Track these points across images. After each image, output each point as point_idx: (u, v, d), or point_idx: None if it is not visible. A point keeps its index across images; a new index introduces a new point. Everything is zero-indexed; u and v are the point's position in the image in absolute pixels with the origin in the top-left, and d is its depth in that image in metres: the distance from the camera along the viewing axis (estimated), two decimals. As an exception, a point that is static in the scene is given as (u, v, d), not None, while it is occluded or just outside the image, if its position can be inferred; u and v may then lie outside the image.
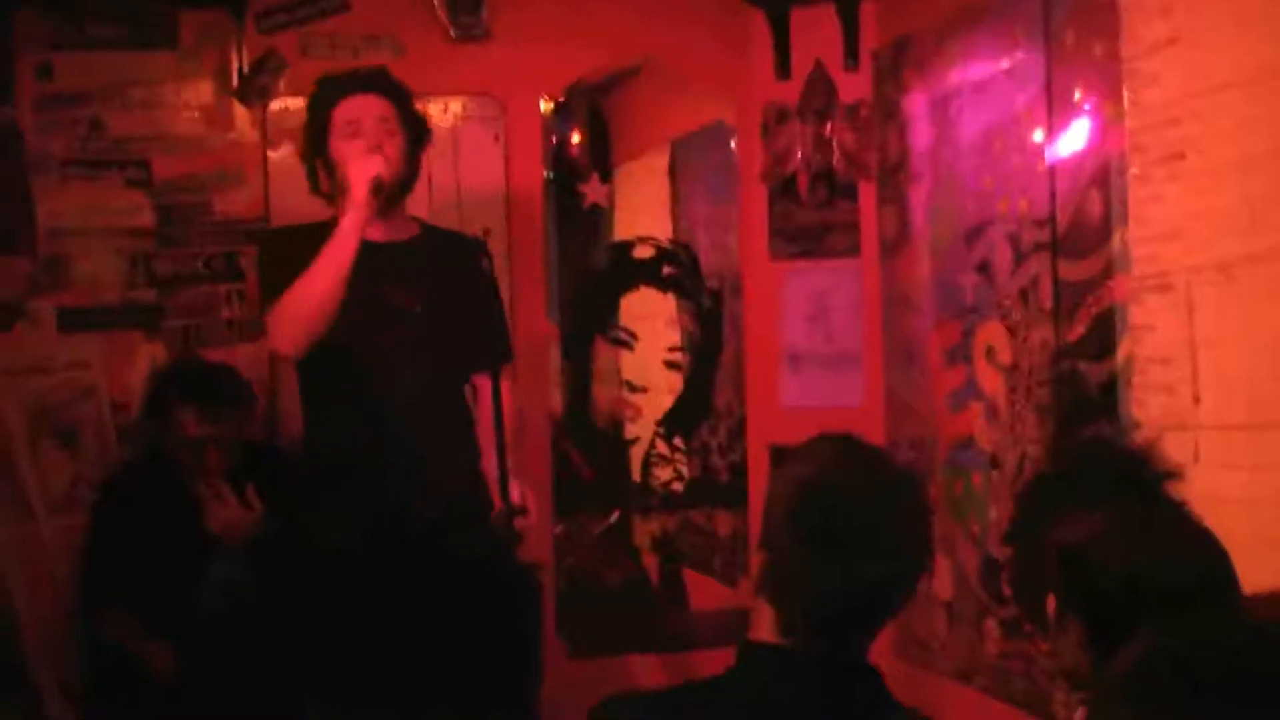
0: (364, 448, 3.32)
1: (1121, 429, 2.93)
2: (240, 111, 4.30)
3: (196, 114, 4.30)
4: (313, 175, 3.50)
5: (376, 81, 3.48)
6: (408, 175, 3.48)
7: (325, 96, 3.47)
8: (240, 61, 4.27)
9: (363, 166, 3.29)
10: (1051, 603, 1.94)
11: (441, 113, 4.32)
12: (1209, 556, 1.84)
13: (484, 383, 3.58)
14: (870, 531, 1.86)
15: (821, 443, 1.98)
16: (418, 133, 3.52)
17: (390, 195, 3.38)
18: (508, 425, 3.45)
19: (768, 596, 1.94)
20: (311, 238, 3.34)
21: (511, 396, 3.56)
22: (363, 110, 3.41)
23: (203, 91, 4.30)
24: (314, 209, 3.98)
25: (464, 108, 4.39)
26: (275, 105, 4.29)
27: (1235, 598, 1.78)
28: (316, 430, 3.52)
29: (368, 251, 3.30)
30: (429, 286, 3.45)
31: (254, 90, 4.29)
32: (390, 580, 1.52)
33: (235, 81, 4.28)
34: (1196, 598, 1.74)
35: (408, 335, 3.39)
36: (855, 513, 1.87)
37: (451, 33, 4.33)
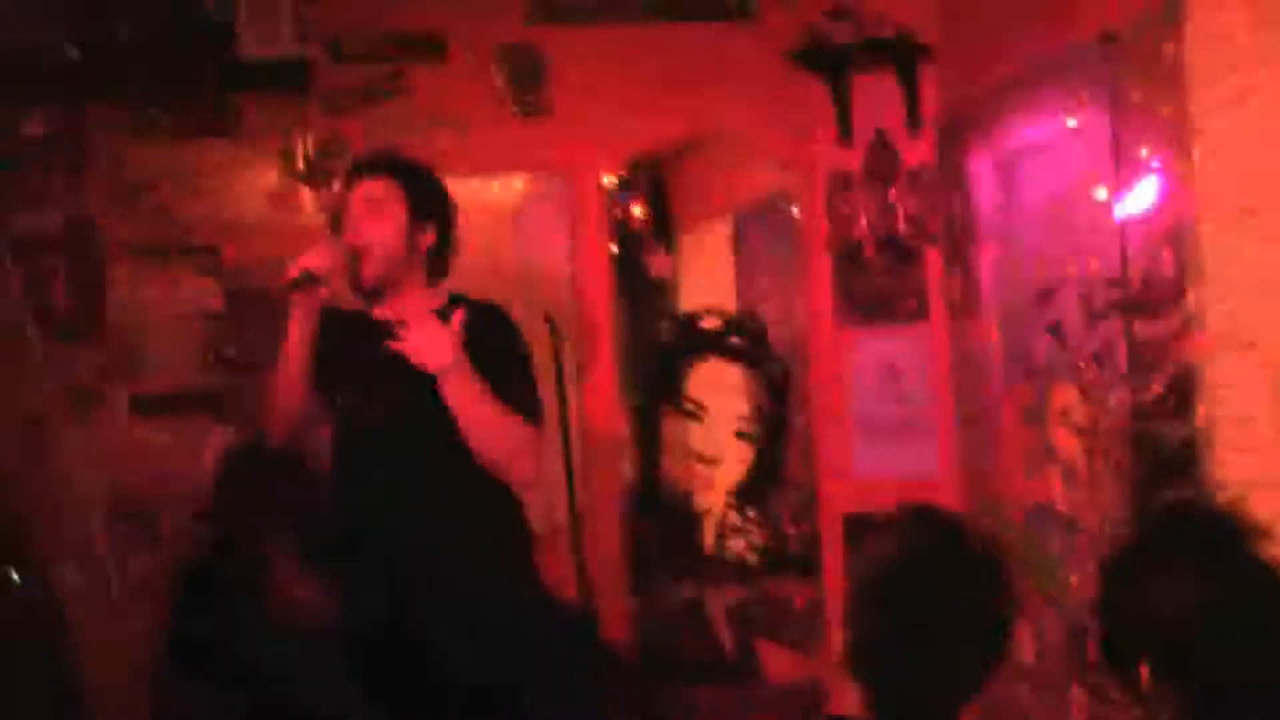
0: (382, 525, 3.31)
1: (1202, 490, 2.88)
2: (306, 195, 4.34)
3: (263, 199, 4.35)
4: None
5: (371, 164, 3.49)
6: (412, 253, 3.42)
7: (344, 185, 3.51)
8: (305, 145, 4.32)
9: (296, 262, 3.29)
10: (1145, 672, 1.89)
11: (506, 190, 4.34)
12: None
13: None
14: (954, 612, 1.84)
15: (903, 520, 1.97)
16: (425, 204, 3.46)
17: (373, 275, 3.35)
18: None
19: (852, 674, 1.91)
20: (348, 324, 3.38)
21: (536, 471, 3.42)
22: (356, 195, 3.42)
23: (268, 176, 4.35)
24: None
25: (527, 185, 4.42)
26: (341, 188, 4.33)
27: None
28: (342, 514, 3.48)
29: (381, 332, 3.28)
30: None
31: (319, 173, 4.33)
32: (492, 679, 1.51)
33: (300, 165, 4.32)
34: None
35: (430, 411, 3.28)
36: (939, 594, 1.85)
37: (514, 109, 4.37)
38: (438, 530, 3.30)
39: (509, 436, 3.29)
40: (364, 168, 3.48)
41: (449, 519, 3.31)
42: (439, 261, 3.48)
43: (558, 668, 1.45)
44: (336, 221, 3.50)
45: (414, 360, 3.21)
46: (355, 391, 3.38)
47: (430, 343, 3.22)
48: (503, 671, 3.10)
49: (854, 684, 1.90)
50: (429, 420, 3.25)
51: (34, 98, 4.14)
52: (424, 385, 3.25)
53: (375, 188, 3.41)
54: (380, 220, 3.37)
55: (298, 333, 3.30)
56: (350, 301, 3.45)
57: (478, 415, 3.24)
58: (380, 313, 3.37)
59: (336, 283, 3.34)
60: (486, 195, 4.44)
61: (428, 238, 3.44)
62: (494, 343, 3.41)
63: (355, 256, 3.34)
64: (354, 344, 3.37)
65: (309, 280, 3.26)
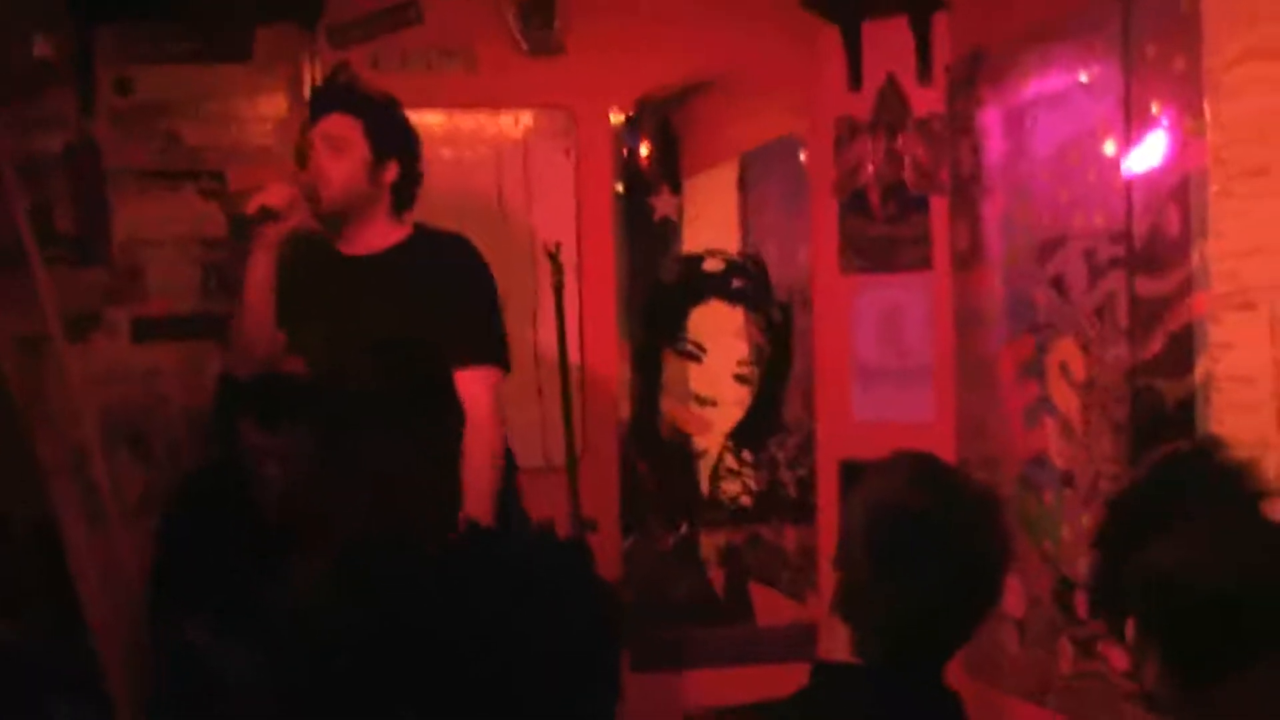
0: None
1: (1212, 442, 2.88)
2: (313, 124, 4.33)
3: (270, 126, 4.33)
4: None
5: (334, 98, 3.58)
6: (376, 187, 3.50)
7: (308, 118, 3.60)
8: (312, 74, 4.30)
9: (254, 198, 3.42)
10: (1130, 624, 1.90)
11: (513, 125, 4.33)
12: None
13: (472, 390, 3.22)
14: (946, 554, 1.85)
15: (898, 462, 1.97)
16: (388, 141, 3.52)
17: (332, 209, 3.44)
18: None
19: (842, 615, 1.93)
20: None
21: (479, 395, 3.32)
22: (316, 132, 3.50)
23: (276, 104, 4.33)
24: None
25: (534, 120, 4.40)
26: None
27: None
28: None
29: (344, 265, 3.41)
30: (408, 293, 3.45)
31: (326, 103, 4.31)
32: (480, 595, 1.52)
33: (307, 94, 4.31)
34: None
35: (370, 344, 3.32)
36: (931, 535, 1.86)
37: (524, 46, 4.35)
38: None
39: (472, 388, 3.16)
40: (324, 103, 3.55)
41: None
42: (404, 194, 3.55)
43: (552, 600, 1.47)
44: (301, 155, 3.53)
45: None
46: (320, 323, 3.41)
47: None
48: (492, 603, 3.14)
49: (843, 627, 1.91)
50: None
51: (42, 20, 4.12)
52: (389, 316, 3.32)
53: (336, 123, 3.48)
54: (340, 157, 3.45)
55: (258, 267, 3.39)
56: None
57: None
58: (353, 250, 3.42)
59: (296, 218, 3.41)
60: (493, 129, 4.42)
61: (389, 172, 3.52)
62: (458, 278, 3.47)
63: (314, 192, 3.41)
64: (318, 273, 3.44)
65: (267, 215, 3.37)
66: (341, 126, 3.48)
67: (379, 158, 3.50)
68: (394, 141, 3.54)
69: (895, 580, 1.84)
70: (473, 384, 3.21)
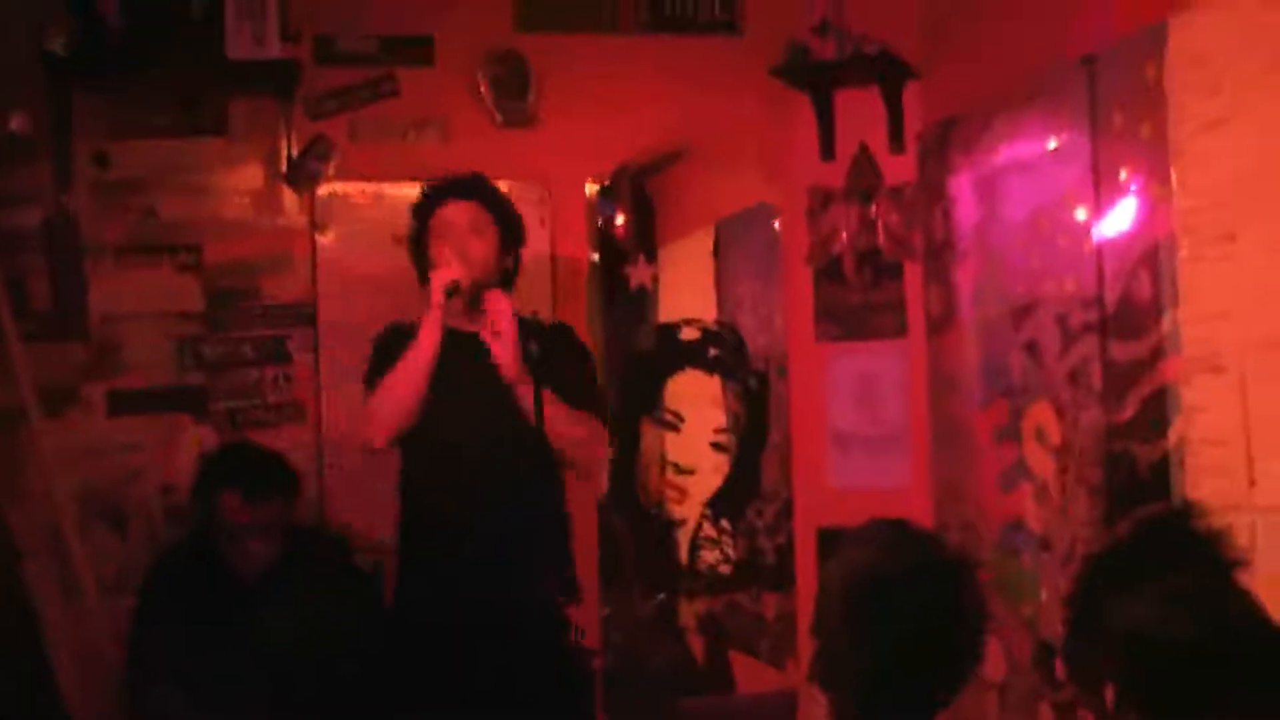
0: (457, 532, 3.54)
1: (1186, 505, 2.89)
2: (289, 196, 4.35)
3: (246, 199, 4.35)
4: (421, 274, 3.71)
5: (469, 187, 3.71)
6: (502, 271, 3.69)
7: (425, 202, 3.73)
8: (289, 147, 4.33)
9: (440, 273, 3.53)
10: (1109, 688, 1.90)
11: (488, 197, 4.35)
12: (1271, 644, 1.81)
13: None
14: (923, 619, 1.85)
15: (873, 528, 1.98)
16: (513, 231, 3.75)
17: (476, 291, 3.57)
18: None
19: (821, 683, 1.92)
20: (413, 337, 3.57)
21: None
22: (453, 215, 3.66)
23: (252, 177, 4.36)
24: (362, 292, 4.06)
25: (510, 191, 4.42)
26: (324, 190, 4.34)
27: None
28: (410, 517, 3.71)
29: (464, 341, 3.53)
30: (529, 366, 3.59)
31: (303, 175, 4.34)
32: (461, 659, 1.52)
33: (284, 166, 4.33)
34: (1258, 687, 1.71)
35: (505, 417, 3.53)
36: (908, 601, 1.86)
37: (498, 118, 4.38)
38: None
39: (581, 426, 3.60)
40: (456, 190, 3.71)
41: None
42: (511, 282, 3.74)
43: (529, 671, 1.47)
44: (418, 241, 3.70)
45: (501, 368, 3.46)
46: (444, 398, 3.55)
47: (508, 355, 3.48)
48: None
49: (822, 695, 1.91)
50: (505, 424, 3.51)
51: (19, 93, 4.14)
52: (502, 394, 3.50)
53: (471, 210, 3.67)
54: (481, 241, 3.64)
55: (430, 340, 3.50)
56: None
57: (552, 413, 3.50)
58: (470, 327, 3.57)
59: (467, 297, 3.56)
60: (469, 201, 4.44)
61: (508, 260, 3.73)
62: (570, 357, 3.76)
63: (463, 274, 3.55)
64: (449, 355, 3.55)
65: (455, 291, 3.50)
66: (477, 213, 3.67)
67: (505, 247, 3.71)
68: (517, 232, 3.77)
69: (872, 647, 1.84)
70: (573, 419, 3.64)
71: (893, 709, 1.86)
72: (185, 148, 4.29)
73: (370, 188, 4.42)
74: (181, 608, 3.79)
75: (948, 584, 1.91)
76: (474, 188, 3.72)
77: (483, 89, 4.36)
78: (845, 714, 1.88)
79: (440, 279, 3.52)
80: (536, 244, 4.43)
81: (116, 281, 4.22)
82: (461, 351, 3.54)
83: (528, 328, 3.63)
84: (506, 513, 3.55)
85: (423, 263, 3.70)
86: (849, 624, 1.87)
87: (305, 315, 4.35)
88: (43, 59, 4.09)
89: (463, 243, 3.62)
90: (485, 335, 3.49)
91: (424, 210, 3.72)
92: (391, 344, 3.64)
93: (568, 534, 3.73)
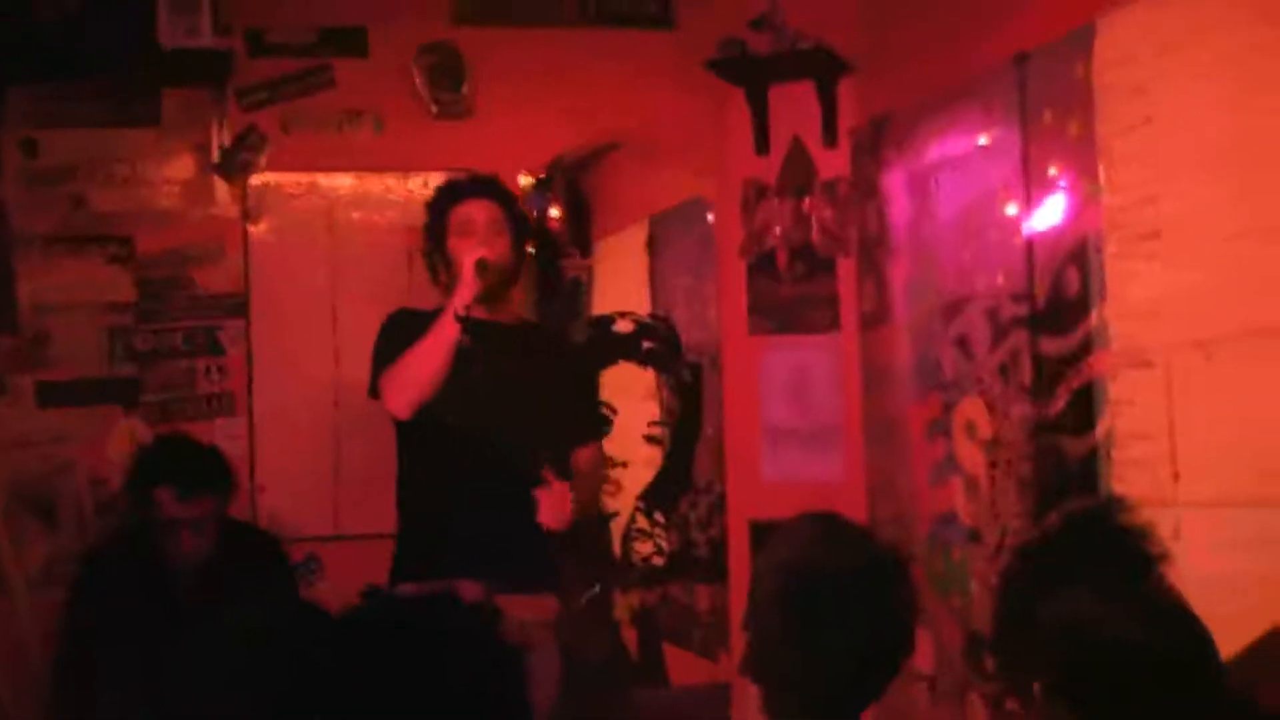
0: (456, 508, 3.66)
1: (1111, 500, 2.93)
2: (221, 187, 4.32)
3: (178, 189, 4.32)
4: (432, 269, 3.87)
5: (488, 188, 3.84)
6: (513, 269, 3.85)
7: (443, 200, 3.84)
8: (221, 137, 4.30)
9: (473, 253, 3.67)
10: (1038, 680, 1.92)
11: (422, 187, 4.34)
12: (1195, 638, 1.84)
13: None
14: (854, 612, 1.87)
15: (804, 522, 1.99)
16: (522, 232, 3.91)
17: (496, 284, 3.72)
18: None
19: (752, 676, 1.94)
20: (424, 321, 3.69)
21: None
22: (475, 212, 3.78)
23: (184, 167, 4.33)
24: (295, 283, 4.04)
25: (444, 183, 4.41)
26: (256, 180, 4.31)
27: (1220, 680, 1.78)
28: (410, 489, 3.80)
29: (481, 327, 3.64)
30: (535, 363, 3.81)
31: (235, 165, 4.31)
32: (383, 663, 1.52)
33: (216, 157, 4.30)
34: (1183, 681, 1.74)
35: (516, 403, 3.70)
36: (839, 594, 1.87)
37: (432, 109, 4.37)
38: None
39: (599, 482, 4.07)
40: (476, 190, 3.83)
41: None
42: (514, 281, 3.90)
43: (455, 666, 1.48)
44: (436, 236, 3.79)
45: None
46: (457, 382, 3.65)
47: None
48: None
49: (754, 687, 1.92)
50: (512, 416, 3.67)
51: (-54, 80, 4.09)
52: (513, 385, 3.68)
53: (491, 210, 3.80)
54: (500, 236, 3.78)
55: (461, 303, 3.59)
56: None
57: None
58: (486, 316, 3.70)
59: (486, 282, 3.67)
60: (402, 192, 4.43)
61: (516, 261, 3.86)
62: (569, 364, 3.99)
63: (487, 261, 3.67)
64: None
65: (485, 269, 3.63)
66: (497, 213, 3.80)
67: (515, 246, 3.84)
68: (525, 231, 3.94)
69: (804, 639, 1.86)
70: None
71: (824, 702, 1.88)
72: (116, 137, 4.25)
73: (304, 178, 4.40)
74: (113, 599, 3.76)
75: (879, 577, 1.93)
76: (493, 188, 3.85)
77: (417, 80, 4.35)
78: (776, 707, 1.89)
79: (471, 256, 3.64)
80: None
81: (45, 272, 4.18)
82: (481, 335, 3.63)
83: (525, 324, 3.89)
84: (507, 503, 3.63)
85: (436, 257, 3.83)
86: (780, 617, 1.88)
87: (237, 306, 4.33)
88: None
89: (487, 238, 3.74)
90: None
91: (442, 206, 3.83)
92: (401, 326, 3.75)
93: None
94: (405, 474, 3.81)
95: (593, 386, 4.13)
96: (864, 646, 1.88)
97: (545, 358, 3.88)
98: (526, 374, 3.78)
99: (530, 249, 4.13)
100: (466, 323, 3.59)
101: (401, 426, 3.75)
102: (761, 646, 1.92)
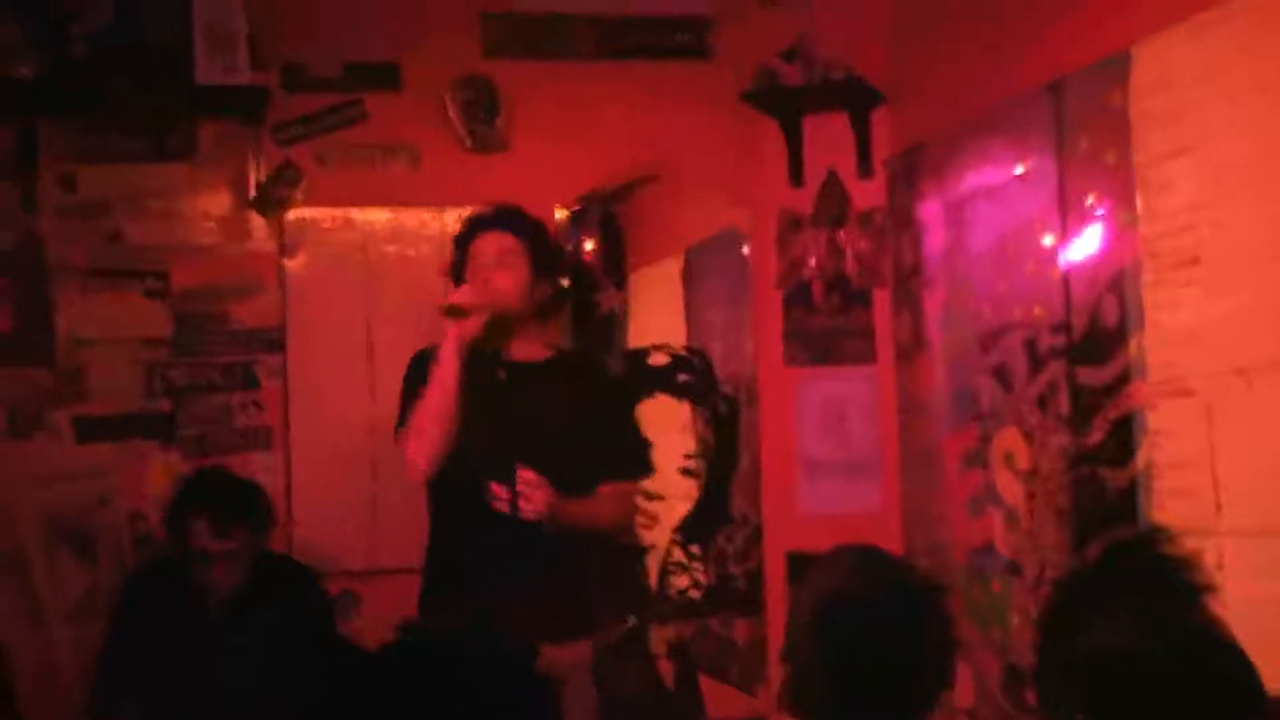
0: (482, 560, 3.57)
1: (1154, 530, 2.90)
2: (257, 222, 4.35)
3: (214, 224, 4.35)
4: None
5: (503, 219, 3.77)
6: (535, 303, 3.76)
7: (465, 233, 3.79)
8: (257, 172, 4.32)
9: (450, 295, 3.62)
10: (1079, 714, 1.90)
11: (456, 222, 4.34)
12: (1240, 671, 1.81)
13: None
14: (891, 644, 1.85)
15: (841, 554, 1.98)
16: (546, 262, 3.80)
17: (511, 320, 3.67)
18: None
19: (790, 709, 1.92)
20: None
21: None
22: (482, 247, 3.72)
23: (220, 202, 4.35)
24: (331, 318, 4.03)
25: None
26: (292, 215, 4.33)
27: (1264, 713, 1.75)
28: (438, 541, 3.74)
29: (504, 367, 3.65)
30: (564, 401, 3.72)
31: (270, 201, 4.33)
32: (416, 686, 1.51)
33: (252, 192, 4.32)
34: (1227, 714, 1.71)
35: (545, 445, 3.62)
36: (876, 626, 1.86)
37: (467, 143, 4.38)
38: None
39: (626, 510, 3.98)
40: (490, 222, 3.77)
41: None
42: (548, 313, 3.88)
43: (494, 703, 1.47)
44: (456, 272, 3.72)
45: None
46: (489, 426, 3.60)
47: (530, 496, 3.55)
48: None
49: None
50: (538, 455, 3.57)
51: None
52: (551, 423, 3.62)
53: (502, 241, 3.72)
54: (507, 273, 3.68)
55: (449, 366, 3.55)
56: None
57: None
58: (514, 357, 3.69)
59: (478, 321, 3.59)
60: (437, 226, 4.45)
61: (541, 291, 3.77)
62: (605, 398, 3.90)
63: (489, 299, 3.61)
64: (482, 377, 3.62)
65: (456, 313, 3.56)
66: (509, 244, 3.71)
67: (537, 277, 3.74)
68: (549, 262, 3.82)
69: (842, 672, 1.84)
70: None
71: (862, 735, 1.86)
72: (153, 172, 4.28)
73: (339, 213, 4.42)
74: (151, 628, 3.77)
75: (917, 609, 1.91)
76: (506, 219, 3.77)
77: (451, 114, 4.37)
78: (815, 740, 1.88)
79: (444, 302, 3.60)
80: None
81: (83, 306, 4.21)
82: (497, 378, 3.62)
83: (566, 356, 3.87)
84: (536, 550, 3.57)
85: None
86: (818, 650, 1.87)
87: (274, 341, 4.34)
88: (8, 84, 4.08)
89: (488, 273, 3.67)
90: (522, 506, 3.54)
91: (462, 242, 3.79)
92: (419, 371, 3.70)
93: (586, 568, 3.79)
94: (433, 520, 3.76)
95: (632, 422, 4.03)
96: (901, 679, 1.86)
97: (581, 394, 3.81)
98: (557, 413, 3.71)
99: (565, 282, 4.04)
100: (477, 363, 3.55)
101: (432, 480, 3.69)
102: (799, 679, 1.90)
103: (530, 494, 3.53)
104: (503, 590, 3.47)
